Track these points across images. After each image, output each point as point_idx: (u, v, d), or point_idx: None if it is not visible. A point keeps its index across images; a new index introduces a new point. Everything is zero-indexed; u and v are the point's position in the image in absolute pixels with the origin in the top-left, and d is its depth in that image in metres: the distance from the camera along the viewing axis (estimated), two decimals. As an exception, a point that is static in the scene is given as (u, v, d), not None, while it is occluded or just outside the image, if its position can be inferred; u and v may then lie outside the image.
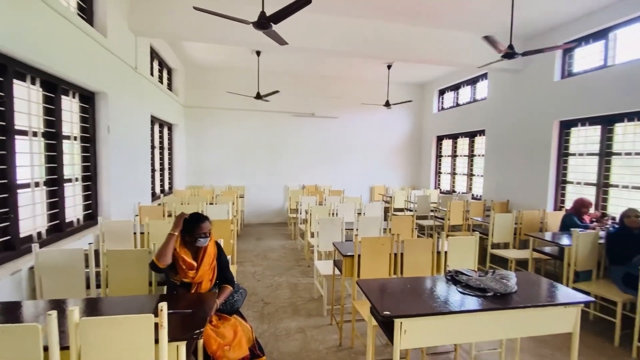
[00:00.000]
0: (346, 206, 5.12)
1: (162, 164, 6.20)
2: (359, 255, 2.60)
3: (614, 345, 2.83)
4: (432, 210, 6.21)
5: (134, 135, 4.32)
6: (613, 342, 2.86)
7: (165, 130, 6.42)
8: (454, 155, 7.58)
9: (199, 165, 7.42)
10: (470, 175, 6.99)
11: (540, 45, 4.88)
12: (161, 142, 6.13)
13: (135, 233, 3.17)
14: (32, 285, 2.34)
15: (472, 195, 6.76)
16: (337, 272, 2.98)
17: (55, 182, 2.88)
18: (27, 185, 2.52)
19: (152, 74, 5.22)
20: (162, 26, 4.19)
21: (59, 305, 1.73)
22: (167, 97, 5.97)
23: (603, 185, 4.30)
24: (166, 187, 6.46)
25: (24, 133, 2.49)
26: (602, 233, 3.41)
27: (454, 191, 7.47)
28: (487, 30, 4.92)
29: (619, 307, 2.86)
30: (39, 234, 2.68)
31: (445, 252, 2.76)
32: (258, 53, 6.12)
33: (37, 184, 2.65)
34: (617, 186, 4.15)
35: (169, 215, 4.27)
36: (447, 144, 7.85)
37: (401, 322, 1.60)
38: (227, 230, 3.30)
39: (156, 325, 1.28)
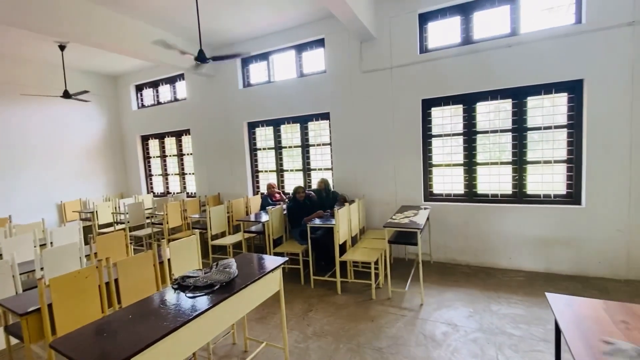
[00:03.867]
0: (18, 240, 3.54)
1: None
2: (50, 305, 1.89)
3: (302, 284, 3.98)
4: (148, 217, 5.71)
5: None
6: (301, 282, 4.00)
7: None
8: (163, 156, 7.30)
9: None
10: (182, 174, 7.05)
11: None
12: None
13: None
14: None
15: (187, 193, 6.89)
16: (15, 340, 2.02)
17: None
18: None
19: None
20: None
21: None
22: None
23: (279, 170, 5.79)
24: None
25: None
26: (284, 206, 4.62)
27: (168, 192, 7.26)
28: (180, 32, 5.03)
29: (301, 256, 4.03)
30: None
31: (169, 260, 2.62)
32: None
33: None
34: (287, 170, 5.75)
35: None
36: (154, 144, 7.40)
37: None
38: None
39: None
